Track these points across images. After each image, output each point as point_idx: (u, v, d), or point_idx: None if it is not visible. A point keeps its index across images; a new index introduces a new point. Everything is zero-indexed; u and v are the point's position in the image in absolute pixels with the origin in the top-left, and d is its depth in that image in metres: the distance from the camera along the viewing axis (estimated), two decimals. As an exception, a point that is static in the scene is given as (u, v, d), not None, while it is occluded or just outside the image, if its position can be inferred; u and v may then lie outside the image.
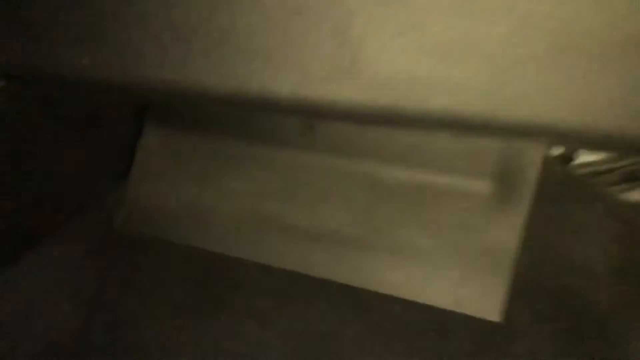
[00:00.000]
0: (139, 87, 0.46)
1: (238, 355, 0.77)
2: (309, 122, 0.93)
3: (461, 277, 0.85)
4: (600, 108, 0.39)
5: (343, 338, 0.79)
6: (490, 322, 0.81)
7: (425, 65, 0.40)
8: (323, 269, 0.87)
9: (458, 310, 0.83)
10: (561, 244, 0.87)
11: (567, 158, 1.08)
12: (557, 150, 1.07)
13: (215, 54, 0.44)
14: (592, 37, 0.37)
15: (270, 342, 0.78)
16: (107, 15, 0.44)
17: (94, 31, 0.45)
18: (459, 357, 0.78)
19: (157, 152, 1.00)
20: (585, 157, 1.07)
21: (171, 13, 0.43)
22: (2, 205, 0.77)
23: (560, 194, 0.95)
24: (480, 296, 0.84)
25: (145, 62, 0.44)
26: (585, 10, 0.36)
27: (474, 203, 0.86)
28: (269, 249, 0.90)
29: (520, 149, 0.85)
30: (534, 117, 0.40)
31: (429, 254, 0.86)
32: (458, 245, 0.86)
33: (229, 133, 0.97)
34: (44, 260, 0.86)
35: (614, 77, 0.38)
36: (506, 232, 0.85)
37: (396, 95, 0.42)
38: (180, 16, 0.43)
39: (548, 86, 0.39)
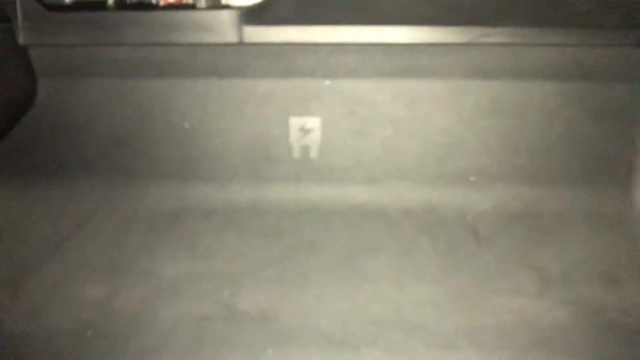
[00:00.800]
0: None
1: None
2: (303, 121, 0.71)
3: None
4: None
5: None
6: None
7: None
8: None
9: None
10: None
11: None
12: None
13: None
14: None
15: None
16: None
17: None
18: None
19: (14, 234, 0.71)
20: None
21: None
22: None
23: None
24: None
25: None
26: None
27: (623, 229, 0.62)
28: None
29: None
30: None
31: (564, 332, 0.57)
32: (609, 309, 0.58)
33: (148, 171, 0.73)
34: None
35: None
36: None
37: None
38: None
39: None
